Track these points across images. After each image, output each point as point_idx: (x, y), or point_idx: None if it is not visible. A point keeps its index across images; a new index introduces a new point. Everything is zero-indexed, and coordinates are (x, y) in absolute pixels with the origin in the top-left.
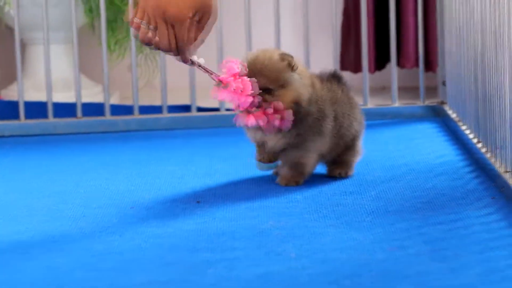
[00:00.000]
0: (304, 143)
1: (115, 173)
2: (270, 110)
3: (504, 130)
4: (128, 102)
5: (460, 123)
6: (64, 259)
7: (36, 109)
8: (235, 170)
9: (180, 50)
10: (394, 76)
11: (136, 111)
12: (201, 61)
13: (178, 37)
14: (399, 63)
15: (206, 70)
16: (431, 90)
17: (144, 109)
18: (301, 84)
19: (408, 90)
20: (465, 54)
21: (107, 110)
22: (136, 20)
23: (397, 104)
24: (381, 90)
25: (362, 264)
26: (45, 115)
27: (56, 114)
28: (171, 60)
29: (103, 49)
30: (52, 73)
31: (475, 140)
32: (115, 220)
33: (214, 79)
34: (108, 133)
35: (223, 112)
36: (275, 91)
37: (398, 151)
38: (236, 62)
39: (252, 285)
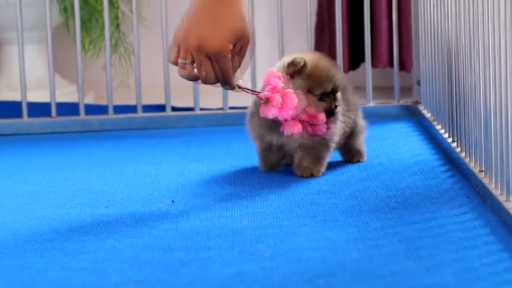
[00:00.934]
0: (321, 141)
1: (90, 173)
2: (304, 117)
3: (478, 129)
4: (102, 101)
5: (434, 123)
6: (38, 259)
7: (11, 109)
8: (209, 170)
9: (227, 81)
10: (368, 75)
11: (110, 110)
12: (240, 82)
13: (223, 70)
14: (372, 63)
15: (252, 91)
16: (405, 90)
17: (119, 109)
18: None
19: (382, 90)
20: (439, 54)
21: (82, 109)
22: (181, 61)
23: (371, 103)
24: (356, 90)
25: (336, 263)
26: (19, 115)
27: (31, 114)
28: (145, 60)
29: (78, 49)
30: (27, 73)
31: (449, 140)
32: (89, 220)
33: (261, 98)
34: (82, 132)
35: (197, 112)
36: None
37: (373, 151)
38: (279, 77)
39: (226, 285)
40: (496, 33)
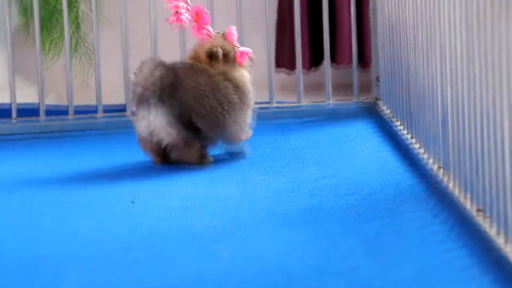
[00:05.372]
0: None
1: (50, 174)
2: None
3: (435, 126)
4: (64, 102)
5: (394, 119)
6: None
7: None
8: (169, 170)
9: None
10: (327, 73)
11: (71, 111)
12: None
13: None
14: (335, 61)
15: None
16: (368, 87)
17: (80, 110)
18: None
19: (345, 88)
20: (398, 51)
21: (42, 111)
22: None
23: (331, 101)
24: (317, 87)
25: (295, 261)
26: None
27: None
28: (106, 60)
29: (37, 50)
30: None
31: (408, 136)
32: (48, 221)
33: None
34: (43, 134)
35: None
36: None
37: (332, 149)
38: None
39: (186, 285)
40: (452, 30)
